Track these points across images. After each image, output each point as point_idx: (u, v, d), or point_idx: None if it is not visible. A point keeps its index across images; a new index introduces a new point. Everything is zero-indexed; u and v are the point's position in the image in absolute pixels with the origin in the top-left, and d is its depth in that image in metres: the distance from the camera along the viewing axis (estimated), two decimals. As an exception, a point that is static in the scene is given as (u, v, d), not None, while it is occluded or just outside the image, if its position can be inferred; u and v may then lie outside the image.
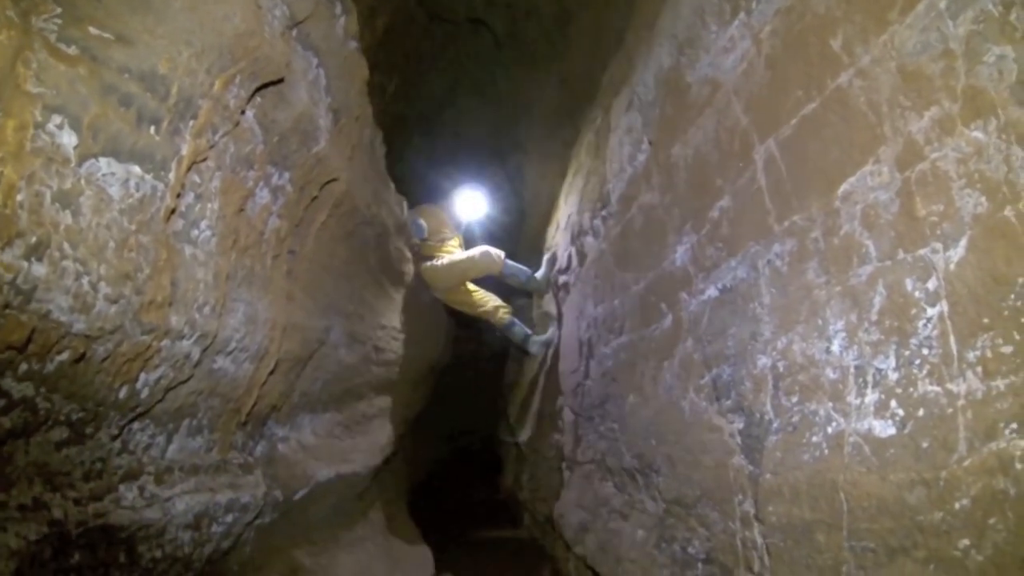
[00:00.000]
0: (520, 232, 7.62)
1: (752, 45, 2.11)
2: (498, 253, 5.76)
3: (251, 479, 2.77)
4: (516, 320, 6.09)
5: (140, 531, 1.98)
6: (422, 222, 5.72)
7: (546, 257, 5.75)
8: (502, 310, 6.09)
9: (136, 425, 2.09)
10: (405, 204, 5.22)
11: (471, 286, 6.11)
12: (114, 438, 1.98)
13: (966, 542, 1.23)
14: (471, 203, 6.38)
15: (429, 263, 5.86)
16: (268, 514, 2.93)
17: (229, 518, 2.51)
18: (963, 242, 1.28)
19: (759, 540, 1.93)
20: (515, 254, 6.26)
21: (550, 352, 5.55)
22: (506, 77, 6.57)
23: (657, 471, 2.76)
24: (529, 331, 5.93)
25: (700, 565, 2.28)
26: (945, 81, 1.34)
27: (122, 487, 1.98)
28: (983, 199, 1.24)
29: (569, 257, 4.88)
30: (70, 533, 1.70)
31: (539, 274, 5.76)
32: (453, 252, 5.96)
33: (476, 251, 5.83)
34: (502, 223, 7.91)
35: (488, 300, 6.14)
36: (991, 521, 1.19)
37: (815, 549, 1.64)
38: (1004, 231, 1.20)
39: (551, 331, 5.60)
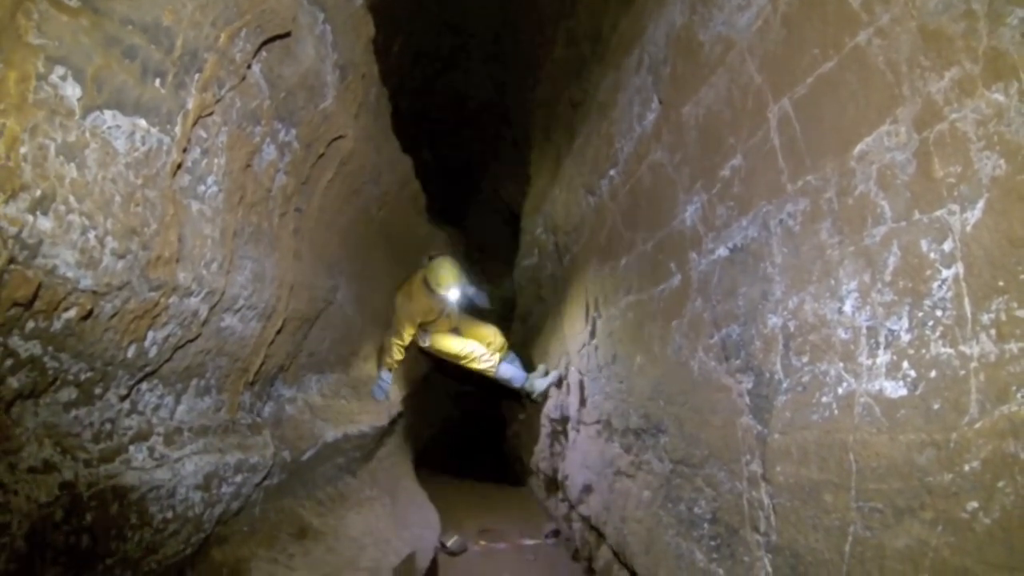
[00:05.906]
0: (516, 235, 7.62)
1: (768, 3, 2.07)
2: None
3: (259, 440, 2.80)
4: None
5: (151, 492, 2.01)
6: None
7: (552, 373, 5.31)
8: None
9: (145, 385, 2.10)
10: (411, 164, 5.15)
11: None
12: (123, 398, 1.99)
13: (974, 504, 1.24)
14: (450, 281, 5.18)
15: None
16: (277, 475, 2.97)
17: (238, 478, 2.54)
18: (980, 204, 1.27)
19: (766, 500, 1.94)
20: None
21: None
22: (512, 37, 6.47)
23: (664, 431, 2.77)
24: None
25: (706, 525, 2.30)
26: (966, 42, 1.32)
27: (132, 448, 2.00)
28: (1002, 161, 1.23)
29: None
30: (81, 495, 1.71)
31: (540, 382, 5.37)
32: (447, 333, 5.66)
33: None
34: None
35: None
36: (1000, 484, 1.19)
37: (822, 509, 1.65)
38: (1022, 194, 1.19)
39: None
